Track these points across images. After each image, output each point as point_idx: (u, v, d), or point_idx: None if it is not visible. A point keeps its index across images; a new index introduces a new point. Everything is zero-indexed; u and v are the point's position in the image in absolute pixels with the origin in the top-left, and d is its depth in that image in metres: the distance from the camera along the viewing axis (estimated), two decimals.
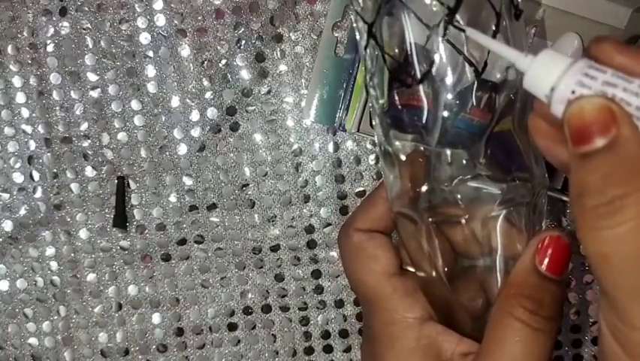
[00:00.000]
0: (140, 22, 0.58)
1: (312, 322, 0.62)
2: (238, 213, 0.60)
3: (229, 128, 0.60)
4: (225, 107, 0.59)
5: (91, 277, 0.61)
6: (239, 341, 0.62)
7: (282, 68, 0.59)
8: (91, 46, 0.59)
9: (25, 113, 0.59)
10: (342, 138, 0.60)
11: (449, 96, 0.38)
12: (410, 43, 0.38)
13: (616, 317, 0.29)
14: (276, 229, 0.61)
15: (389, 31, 0.39)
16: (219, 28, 0.58)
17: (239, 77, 0.59)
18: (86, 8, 0.58)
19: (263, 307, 0.62)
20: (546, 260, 0.35)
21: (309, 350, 0.63)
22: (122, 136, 0.60)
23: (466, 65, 0.37)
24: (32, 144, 0.60)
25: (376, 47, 0.39)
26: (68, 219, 0.60)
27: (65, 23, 0.58)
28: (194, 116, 0.59)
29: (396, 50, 0.39)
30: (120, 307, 0.62)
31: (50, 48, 0.59)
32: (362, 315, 0.47)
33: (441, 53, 0.37)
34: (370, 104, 0.42)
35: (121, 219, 0.60)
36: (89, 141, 0.60)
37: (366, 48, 0.40)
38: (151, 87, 0.59)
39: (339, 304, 0.62)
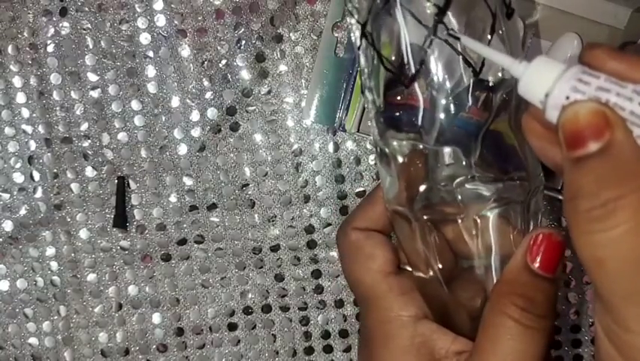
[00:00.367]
0: (141, 23, 0.58)
1: (312, 322, 0.62)
2: (238, 213, 0.61)
3: (229, 129, 0.60)
4: (225, 108, 0.59)
5: (91, 277, 0.61)
6: (239, 341, 0.63)
7: (282, 68, 0.59)
8: (91, 46, 0.59)
9: (25, 113, 0.59)
10: (342, 138, 0.60)
11: (449, 96, 0.38)
12: (406, 43, 0.38)
13: (611, 320, 0.29)
14: (276, 229, 0.61)
15: (386, 31, 0.39)
16: (219, 29, 0.58)
17: (239, 77, 0.59)
18: (87, 8, 0.58)
19: (263, 307, 0.62)
20: (538, 258, 0.35)
21: (309, 350, 0.63)
22: (122, 136, 0.60)
23: (464, 64, 0.37)
24: (33, 144, 0.60)
25: (370, 46, 0.39)
26: (68, 219, 0.61)
27: (66, 23, 0.59)
28: (195, 116, 0.59)
29: (394, 50, 0.39)
30: (120, 307, 0.62)
31: (50, 48, 0.59)
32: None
33: (436, 53, 0.37)
34: (366, 104, 0.42)
35: (121, 220, 0.60)
36: (89, 141, 0.60)
37: (359, 48, 0.40)
38: (151, 87, 0.59)
39: (339, 304, 0.62)
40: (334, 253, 0.61)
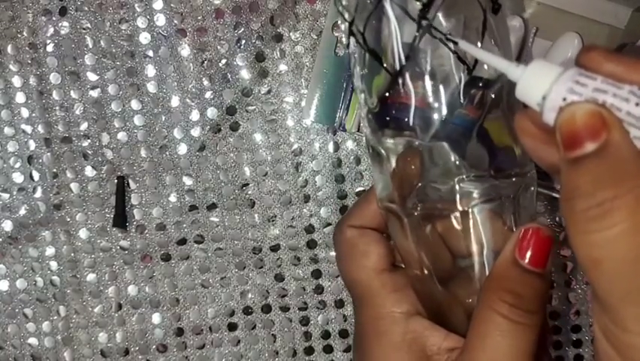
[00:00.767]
0: (140, 22, 0.58)
1: (312, 322, 0.62)
2: (238, 213, 0.60)
3: (229, 128, 0.60)
4: (225, 107, 0.59)
5: (91, 277, 0.61)
6: (239, 341, 0.62)
7: (282, 67, 0.59)
8: (91, 46, 0.59)
9: (25, 113, 0.59)
10: (342, 137, 0.60)
11: (445, 93, 0.38)
12: (397, 38, 0.38)
13: (608, 320, 0.29)
14: (276, 228, 0.61)
15: (377, 28, 0.39)
16: (219, 28, 0.58)
17: (239, 77, 0.59)
18: (86, 8, 0.58)
19: (263, 307, 0.62)
20: (527, 253, 0.35)
21: (309, 350, 0.62)
22: (122, 136, 0.60)
23: (457, 62, 0.37)
24: (32, 144, 0.60)
25: (358, 45, 0.40)
26: (68, 219, 0.61)
27: (65, 23, 0.58)
28: (194, 115, 0.59)
29: (386, 47, 0.39)
30: (120, 307, 0.62)
31: (50, 48, 0.59)
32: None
33: (429, 51, 0.37)
34: (358, 103, 0.42)
35: (121, 219, 0.60)
36: (89, 140, 0.60)
37: (348, 46, 0.41)
38: (151, 87, 0.59)
39: (339, 304, 0.62)
40: (334, 253, 0.61)
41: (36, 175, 0.60)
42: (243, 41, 0.59)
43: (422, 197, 0.39)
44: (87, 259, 0.61)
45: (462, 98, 0.38)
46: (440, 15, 0.37)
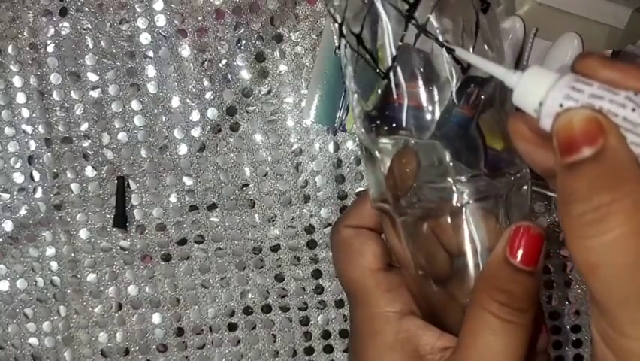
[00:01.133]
0: (141, 23, 0.58)
1: (312, 322, 0.62)
2: (238, 213, 0.60)
3: (229, 128, 0.60)
4: (225, 107, 0.59)
5: (91, 277, 0.61)
6: (239, 341, 0.63)
7: (282, 68, 0.59)
8: (91, 46, 0.59)
9: (25, 113, 0.59)
10: (343, 138, 0.60)
11: (442, 93, 0.38)
12: (388, 36, 0.38)
13: (607, 324, 0.29)
14: (276, 229, 0.61)
15: (368, 29, 0.39)
16: (219, 29, 0.58)
17: (239, 77, 0.59)
18: (87, 8, 0.58)
19: (263, 307, 0.62)
20: (518, 252, 0.35)
21: (309, 350, 0.63)
22: (122, 136, 0.60)
23: (452, 61, 0.37)
24: (32, 144, 0.60)
25: (349, 46, 0.40)
26: (68, 219, 0.61)
27: (65, 23, 0.59)
28: (195, 116, 0.59)
29: (388, 50, 0.39)
30: (120, 307, 0.62)
31: (50, 48, 0.59)
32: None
33: (426, 51, 0.37)
34: (351, 104, 0.42)
35: (121, 219, 0.60)
36: (89, 141, 0.60)
37: (338, 48, 0.41)
38: (151, 87, 0.59)
39: (340, 304, 0.62)
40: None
41: (36, 175, 0.60)
42: (243, 42, 0.59)
43: (416, 197, 0.39)
44: (87, 259, 0.61)
45: (457, 97, 0.38)
46: (432, 16, 0.37)
